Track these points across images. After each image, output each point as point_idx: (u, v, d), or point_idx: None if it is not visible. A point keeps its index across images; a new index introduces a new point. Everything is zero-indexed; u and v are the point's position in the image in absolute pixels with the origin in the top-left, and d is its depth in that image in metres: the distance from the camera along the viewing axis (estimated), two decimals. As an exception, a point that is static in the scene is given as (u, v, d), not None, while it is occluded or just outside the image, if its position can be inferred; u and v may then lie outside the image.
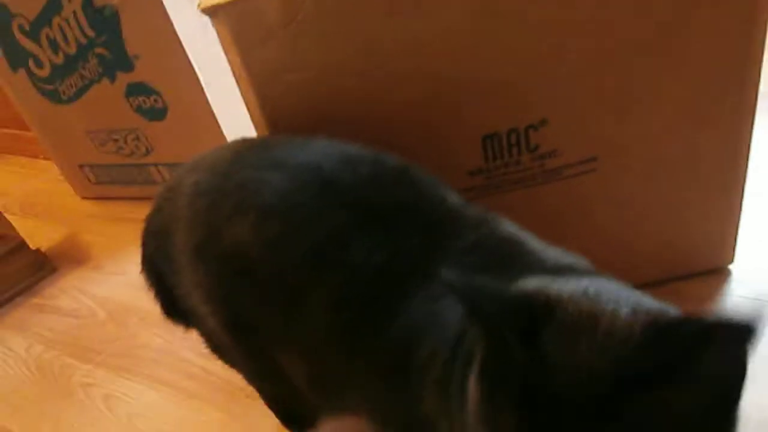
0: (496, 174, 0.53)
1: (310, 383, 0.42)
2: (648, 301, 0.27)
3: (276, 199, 0.37)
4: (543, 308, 0.26)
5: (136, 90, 0.86)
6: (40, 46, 0.86)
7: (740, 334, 0.23)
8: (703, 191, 0.56)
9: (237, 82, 0.48)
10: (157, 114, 0.88)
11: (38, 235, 0.99)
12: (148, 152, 0.94)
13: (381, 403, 0.38)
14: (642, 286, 0.65)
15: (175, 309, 0.50)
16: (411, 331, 0.34)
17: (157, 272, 0.48)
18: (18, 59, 0.89)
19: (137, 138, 0.93)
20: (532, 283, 0.28)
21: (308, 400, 0.46)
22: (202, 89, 0.83)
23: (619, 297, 0.26)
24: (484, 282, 0.26)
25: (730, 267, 0.64)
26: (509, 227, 0.37)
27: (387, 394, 0.36)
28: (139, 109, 0.88)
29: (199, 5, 0.44)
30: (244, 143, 0.44)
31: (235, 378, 0.69)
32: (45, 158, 1.25)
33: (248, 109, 0.49)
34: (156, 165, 0.96)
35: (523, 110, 0.50)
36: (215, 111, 0.85)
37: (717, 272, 0.64)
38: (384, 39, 0.45)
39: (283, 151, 0.41)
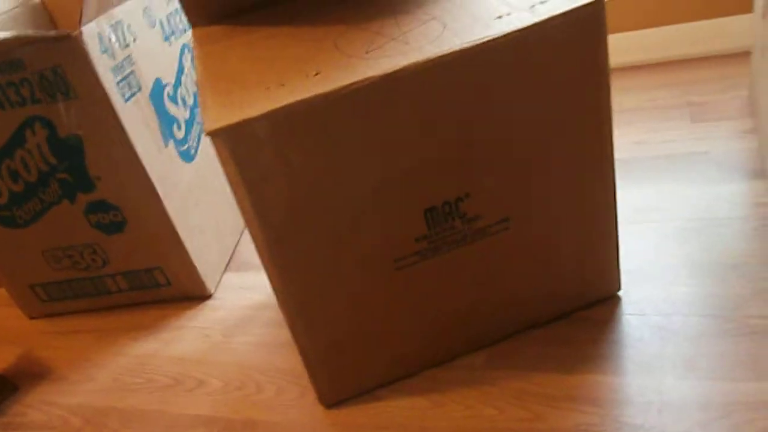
0: (437, 238, 0.68)
1: None
2: None
3: None
4: None
5: (95, 207, 0.95)
6: (0, 177, 0.93)
7: None
8: (590, 234, 0.74)
9: (231, 188, 0.61)
10: (116, 228, 0.96)
11: (-9, 360, 1.01)
12: (104, 264, 1.01)
13: None
14: (556, 318, 0.84)
15: None
16: None
17: None
18: (-26, 191, 0.95)
19: (94, 252, 1.00)
20: None
21: None
22: (160, 201, 0.93)
23: None
24: None
25: (619, 293, 0.82)
26: None
27: None
28: (97, 225, 0.96)
29: (204, 131, 0.57)
30: None
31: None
32: (-21, 287, 1.27)
33: (241, 207, 0.62)
34: (113, 275, 1.02)
35: (452, 187, 0.65)
36: (172, 219, 0.95)
37: (610, 299, 0.81)
38: (345, 141, 0.60)
39: None
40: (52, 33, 0.79)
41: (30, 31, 0.80)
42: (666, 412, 0.66)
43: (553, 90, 0.63)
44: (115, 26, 0.88)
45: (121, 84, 0.87)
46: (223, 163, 0.59)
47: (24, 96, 0.86)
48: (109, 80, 0.85)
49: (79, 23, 0.81)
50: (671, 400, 0.67)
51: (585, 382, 0.71)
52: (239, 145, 0.58)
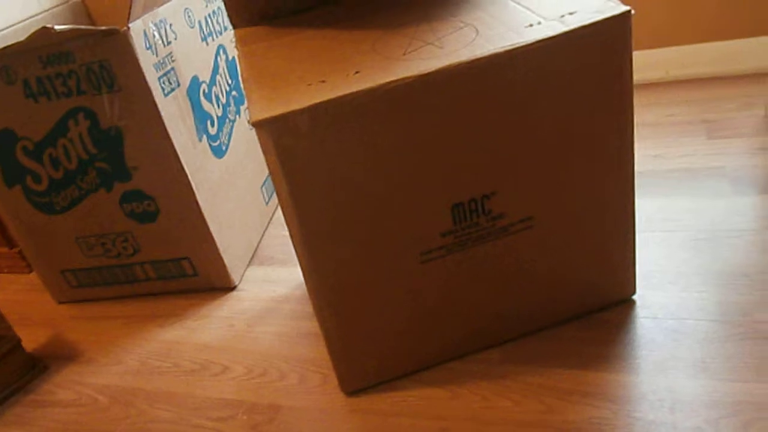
0: (462, 234, 0.71)
1: None
2: None
3: None
4: None
5: (130, 197, 0.99)
6: (42, 164, 0.97)
7: None
8: (608, 238, 0.77)
9: (272, 175, 0.64)
10: (149, 217, 1.00)
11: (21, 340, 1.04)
12: (135, 252, 1.05)
13: None
14: (570, 318, 0.87)
15: None
16: None
17: None
18: (16, 177, 1.00)
19: (126, 240, 1.04)
20: None
21: None
22: (193, 192, 0.97)
23: None
24: None
25: (634, 297, 0.85)
26: None
27: None
28: (131, 214, 1.00)
29: (248, 121, 0.61)
30: None
31: (250, 432, 0.80)
32: (9, 272, 1.31)
33: (279, 194, 0.65)
34: (142, 263, 1.06)
35: (479, 185, 0.69)
36: (203, 211, 0.99)
37: (625, 302, 0.84)
38: (381, 136, 0.64)
39: None
40: (103, 28, 0.84)
41: (82, 26, 0.85)
42: (677, 409, 0.68)
43: (579, 96, 0.67)
44: (159, 24, 0.92)
45: (162, 79, 0.91)
46: (266, 152, 0.63)
47: (70, 87, 0.90)
48: (151, 75, 0.89)
49: (128, 20, 0.85)
50: (682, 398, 0.69)
51: (599, 379, 0.74)
52: (282, 136, 0.61)
